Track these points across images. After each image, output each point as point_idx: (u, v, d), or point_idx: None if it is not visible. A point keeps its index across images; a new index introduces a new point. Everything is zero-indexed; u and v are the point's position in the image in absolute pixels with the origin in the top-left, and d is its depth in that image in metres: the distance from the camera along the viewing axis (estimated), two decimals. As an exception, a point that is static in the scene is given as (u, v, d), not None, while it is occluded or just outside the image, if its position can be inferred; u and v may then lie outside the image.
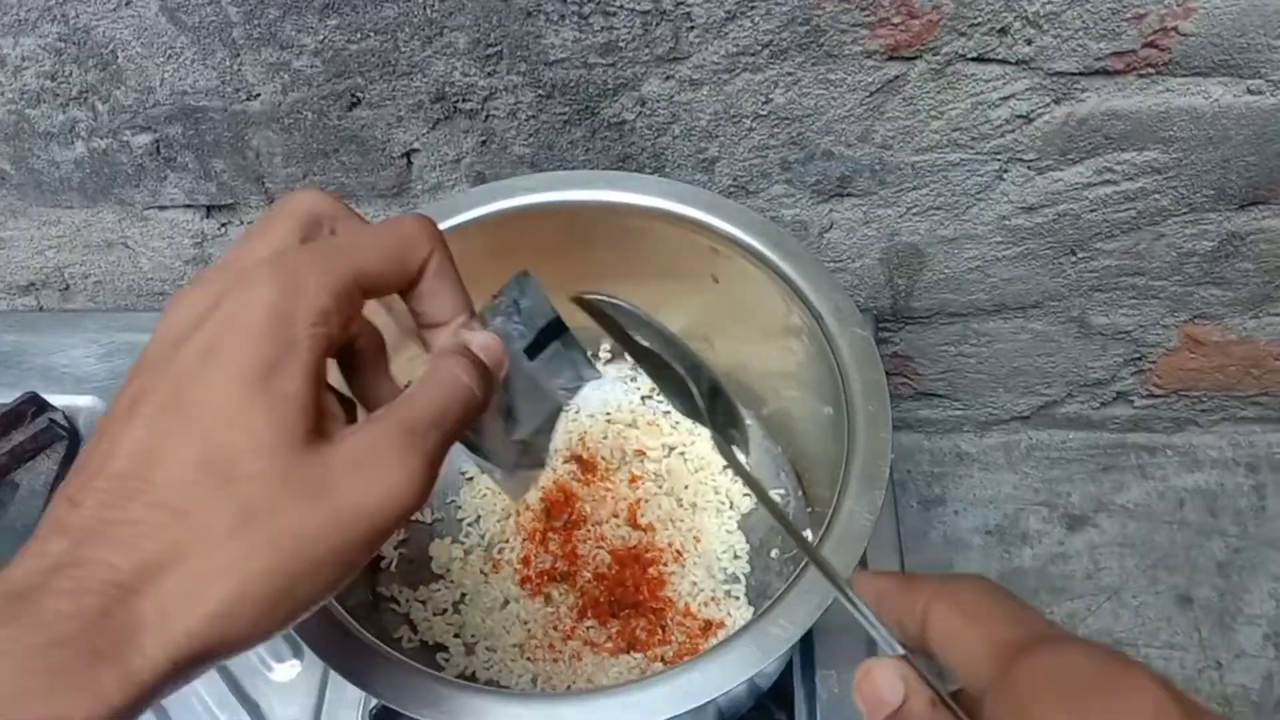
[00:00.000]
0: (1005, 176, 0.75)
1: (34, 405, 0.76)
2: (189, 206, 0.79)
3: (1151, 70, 0.67)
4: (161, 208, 0.79)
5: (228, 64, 0.67)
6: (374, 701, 0.64)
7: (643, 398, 0.75)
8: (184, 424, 0.30)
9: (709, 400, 0.44)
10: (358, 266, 0.33)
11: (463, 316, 0.38)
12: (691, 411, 0.45)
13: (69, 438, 0.77)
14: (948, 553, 1.00)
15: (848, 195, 0.77)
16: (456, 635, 0.66)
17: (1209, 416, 1.04)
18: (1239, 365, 0.97)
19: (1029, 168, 0.74)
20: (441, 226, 0.61)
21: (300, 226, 0.35)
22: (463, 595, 0.67)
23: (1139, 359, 0.96)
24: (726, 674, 0.46)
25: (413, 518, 0.70)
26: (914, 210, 0.78)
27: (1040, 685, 0.28)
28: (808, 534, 0.68)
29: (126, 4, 0.64)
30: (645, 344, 0.45)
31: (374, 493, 0.31)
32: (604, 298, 0.45)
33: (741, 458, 0.45)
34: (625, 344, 0.45)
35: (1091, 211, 0.78)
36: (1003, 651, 0.30)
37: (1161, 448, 1.05)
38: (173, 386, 0.31)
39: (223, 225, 0.81)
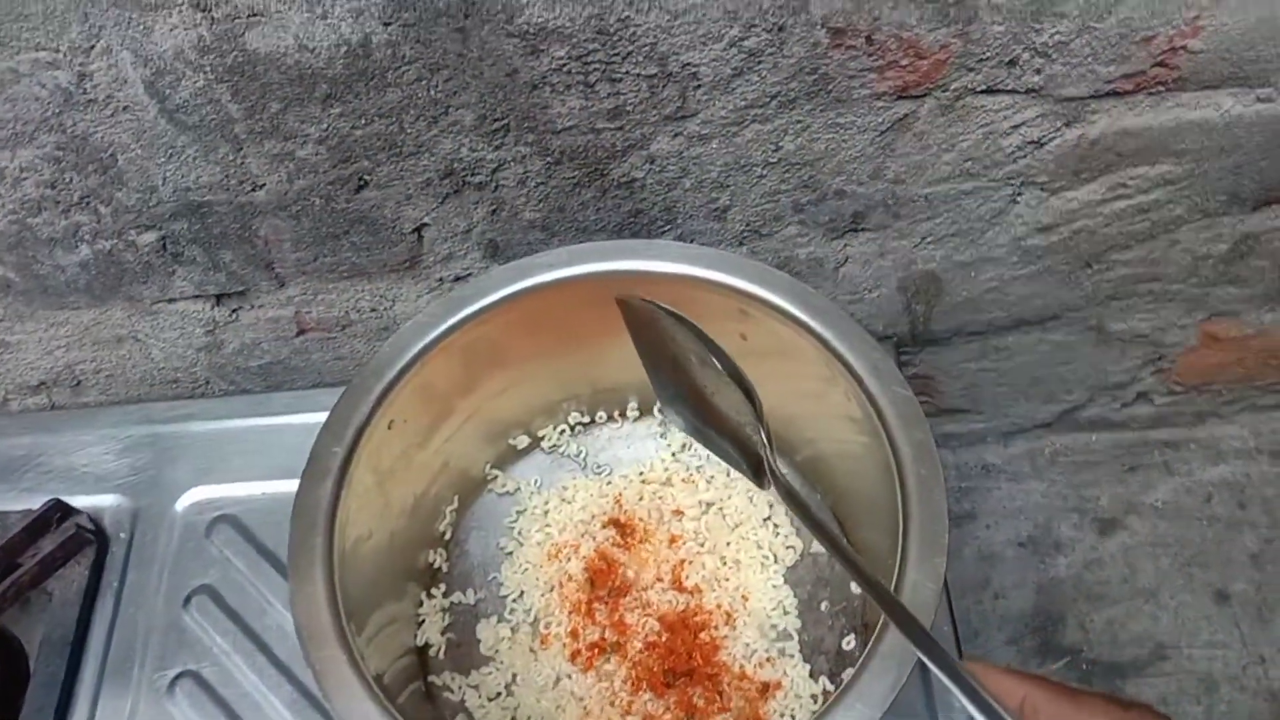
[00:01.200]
0: (1019, 200, 0.75)
1: (58, 511, 0.75)
2: (198, 297, 0.78)
3: (1161, 88, 0.67)
4: (171, 300, 0.78)
5: (231, 158, 0.66)
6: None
7: (673, 454, 0.75)
8: None
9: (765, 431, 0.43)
10: None
11: None
12: (738, 452, 0.44)
13: (97, 541, 0.76)
14: (983, 568, 1.00)
15: (862, 230, 0.77)
16: (513, 718, 0.65)
17: (1230, 408, 1.04)
18: (1257, 357, 0.96)
19: (1042, 190, 0.74)
20: (474, 307, 0.62)
21: None
22: (514, 676, 0.66)
23: (1158, 359, 0.96)
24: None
25: (456, 600, 0.69)
26: (929, 239, 0.78)
27: None
28: (854, 584, 0.68)
29: (124, 109, 0.63)
30: (696, 356, 0.43)
31: None
32: (657, 304, 0.43)
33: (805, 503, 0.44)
34: (665, 363, 0.44)
35: (1106, 226, 0.78)
36: None
37: (1185, 442, 1.05)
38: None
39: (233, 311, 0.80)
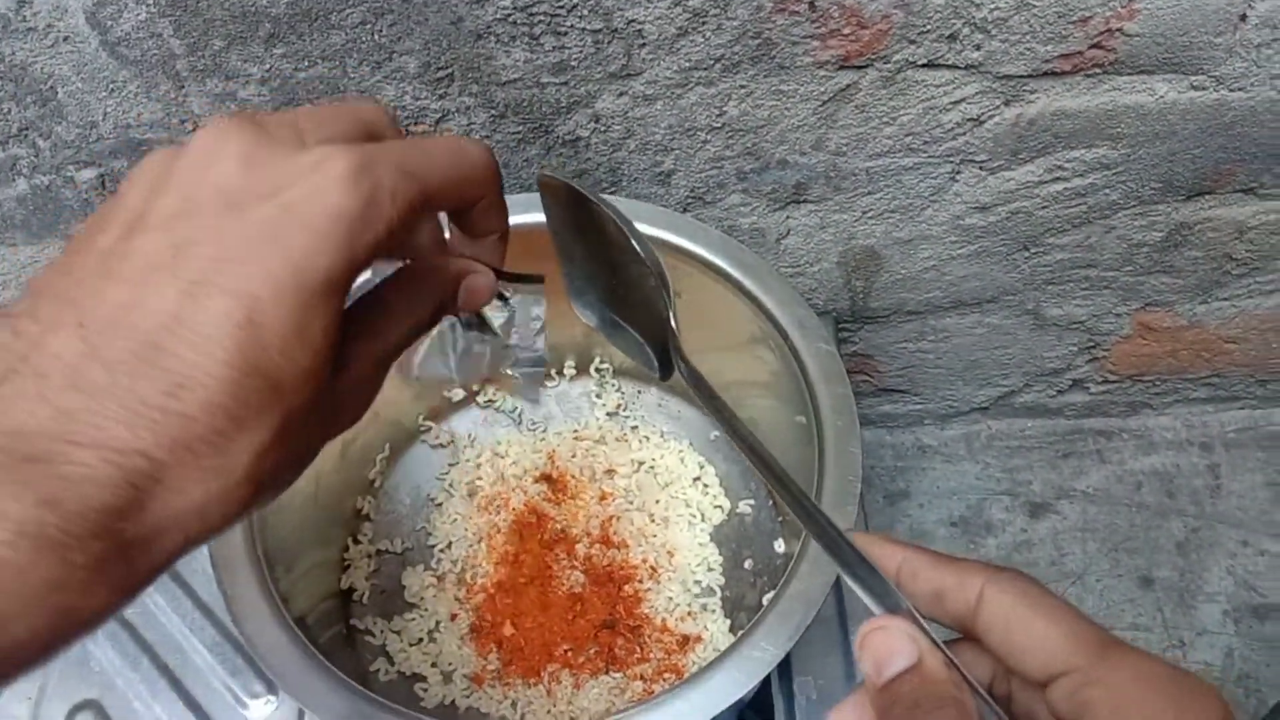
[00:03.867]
0: (958, 178, 0.76)
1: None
2: (138, 239, 0.77)
3: (1098, 70, 0.68)
4: (109, 241, 0.77)
5: (172, 96, 0.66)
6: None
7: (608, 414, 0.75)
8: (233, 304, 0.27)
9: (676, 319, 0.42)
10: (428, 187, 0.32)
11: (493, 238, 0.39)
12: (646, 346, 0.44)
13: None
14: (915, 546, 1.01)
15: (804, 202, 0.77)
16: (433, 665, 0.65)
17: (1163, 399, 1.06)
18: (1190, 349, 0.98)
19: (981, 169, 0.75)
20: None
21: (364, 130, 0.33)
22: (437, 623, 0.67)
23: (1093, 347, 0.97)
24: (712, 700, 0.47)
25: (383, 548, 0.69)
26: (869, 214, 0.79)
27: (1139, 685, 0.29)
28: (778, 544, 0.69)
29: (65, 40, 0.62)
30: (616, 236, 0.42)
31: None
32: (579, 186, 0.43)
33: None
34: (580, 238, 0.44)
35: (1043, 208, 0.79)
36: (1085, 646, 0.30)
37: (1118, 432, 1.07)
38: (228, 256, 0.28)
39: (173, 256, 0.79)
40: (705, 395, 0.42)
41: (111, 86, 0.65)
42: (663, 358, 0.45)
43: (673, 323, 0.43)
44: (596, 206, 0.42)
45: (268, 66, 0.64)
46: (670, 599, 0.67)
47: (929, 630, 0.32)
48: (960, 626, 0.33)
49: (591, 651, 0.65)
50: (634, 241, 0.41)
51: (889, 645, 0.31)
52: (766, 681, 0.65)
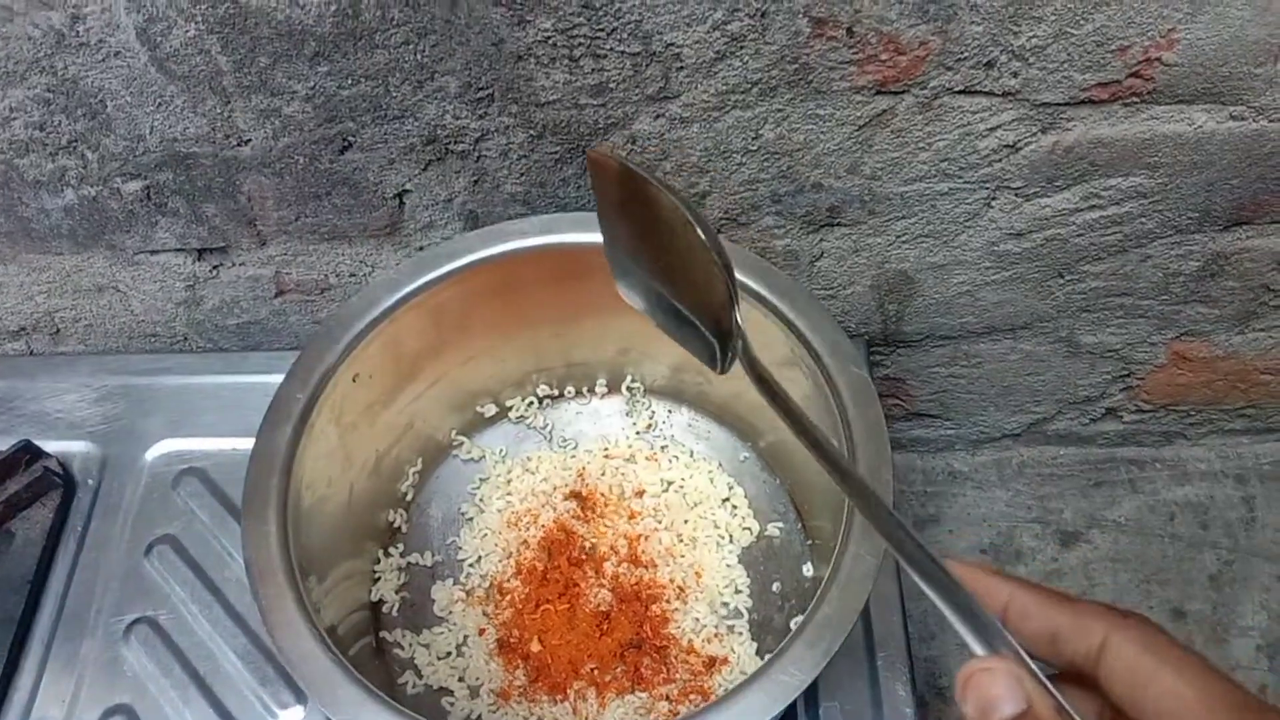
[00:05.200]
0: (993, 204, 0.76)
1: (28, 453, 0.76)
2: (180, 250, 0.79)
3: (1136, 99, 0.68)
4: (153, 252, 0.79)
5: (218, 111, 0.67)
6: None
7: (638, 432, 0.76)
8: None
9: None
10: None
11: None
12: (700, 335, 0.42)
13: (64, 485, 0.77)
14: (943, 572, 1.01)
15: (837, 225, 0.78)
16: (460, 679, 0.66)
17: (1197, 430, 1.05)
18: (1225, 380, 0.98)
19: (1016, 195, 0.75)
20: (446, 268, 0.63)
21: None
22: (465, 638, 0.67)
23: (1127, 376, 0.97)
24: (738, 723, 0.46)
25: (413, 562, 0.70)
26: (903, 238, 0.79)
27: None
28: (806, 567, 0.69)
29: (115, 55, 0.64)
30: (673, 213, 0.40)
31: None
32: (634, 165, 0.41)
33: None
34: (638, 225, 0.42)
35: (1079, 236, 0.79)
36: (1221, 708, 0.29)
37: (1151, 461, 1.06)
38: None
39: (214, 268, 0.81)
40: (769, 392, 0.41)
41: (159, 101, 0.67)
42: (720, 346, 0.43)
43: (736, 311, 0.41)
44: (653, 186, 0.41)
45: (312, 84, 0.65)
46: (697, 620, 0.67)
47: (1038, 672, 0.30)
48: (1075, 670, 0.32)
49: (618, 670, 0.65)
50: (695, 222, 0.40)
51: (995, 689, 0.29)
52: (792, 707, 0.65)
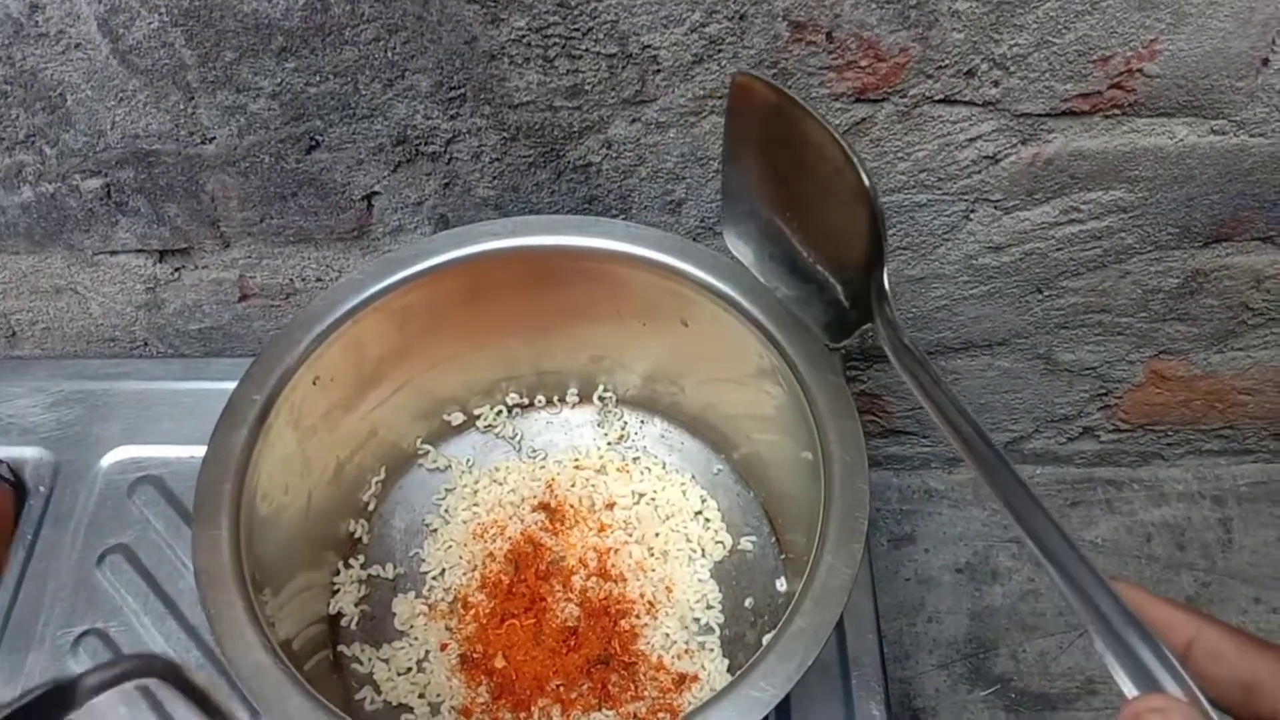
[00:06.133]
0: (972, 217, 0.75)
1: (-23, 458, 0.74)
2: (141, 251, 0.77)
3: (1117, 111, 0.67)
4: (113, 253, 0.77)
5: (182, 107, 0.65)
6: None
7: (609, 443, 0.74)
8: None
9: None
10: None
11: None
12: (824, 292, 0.37)
13: (15, 491, 0.74)
14: (919, 591, 0.99)
15: (815, 236, 0.76)
16: (421, 695, 0.63)
17: (1175, 450, 1.04)
18: (1204, 399, 0.97)
19: (996, 208, 0.74)
20: (412, 270, 0.61)
21: None
22: (426, 653, 0.65)
23: (1105, 394, 0.96)
24: (706, 741, 0.45)
25: (374, 574, 0.68)
26: (882, 250, 0.78)
27: None
28: (780, 582, 0.67)
29: (76, 47, 0.62)
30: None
31: None
32: (788, 91, 0.37)
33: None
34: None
35: (1058, 250, 0.78)
36: None
37: (1128, 482, 1.05)
38: None
39: (176, 270, 0.78)
40: (910, 366, 0.37)
41: (121, 95, 0.65)
42: (854, 308, 0.38)
43: (885, 272, 0.37)
44: (813, 119, 0.37)
45: (279, 80, 0.63)
46: (667, 635, 0.65)
47: None
48: None
49: (584, 687, 0.63)
50: (857, 163, 0.36)
51: None
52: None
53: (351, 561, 0.68)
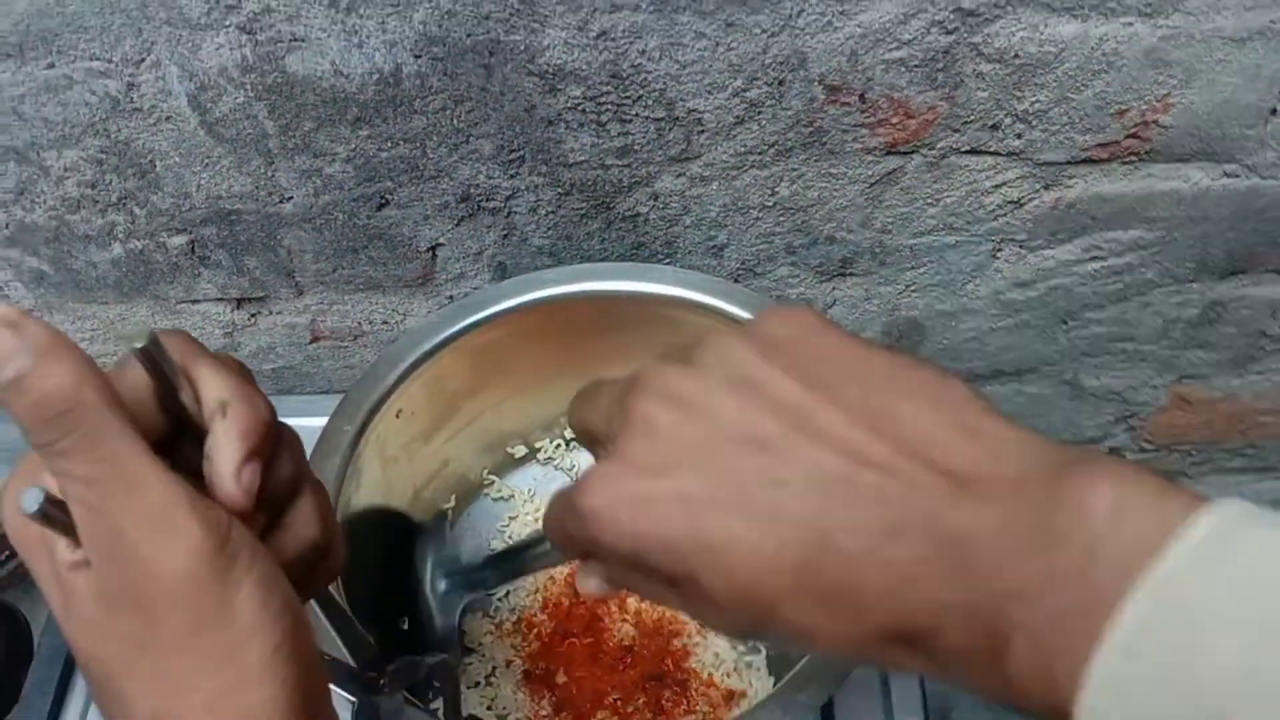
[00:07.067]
0: (999, 255, 0.79)
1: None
2: (220, 300, 0.82)
3: (1134, 158, 0.71)
4: (194, 301, 0.82)
5: (262, 171, 0.71)
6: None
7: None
8: None
9: None
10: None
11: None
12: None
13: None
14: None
15: (849, 275, 0.81)
16: (489, 707, 0.68)
17: (1199, 469, 1.08)
18: (1225, 421, 1.00)
19: (1021, 247, 0.78)
20: (485, 313, 0.66)
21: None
22: (494, 669, 0.70)
23: (1130, 417, 1.00)
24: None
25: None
26: (913, 288, 0.82)
27: None
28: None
29: (167, 120, 0.68)
30: None
31: None
32: None
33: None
34: None
35: (1081, 285, 0.82)
36: None
37: (1154, 499, 1.08)
38: None
39: (252, 316, 0.84)
40: None
41: (206, 161, 0.71)
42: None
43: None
44: None
45: (353, 146, 0.69)
46: (717, 655, 0.70)
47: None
48: None
49: (640, 702, 0.68)
50: None
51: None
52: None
53: (425, 585, 0.73)
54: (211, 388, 0.34)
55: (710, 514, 0.30)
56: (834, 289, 0.82)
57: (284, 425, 0.37)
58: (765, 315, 0.34)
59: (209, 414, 0.34)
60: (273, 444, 0.35)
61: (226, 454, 0.33)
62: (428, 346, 0.66)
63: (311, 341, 0.87)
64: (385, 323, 0.85)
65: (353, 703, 0.48)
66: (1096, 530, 0.26)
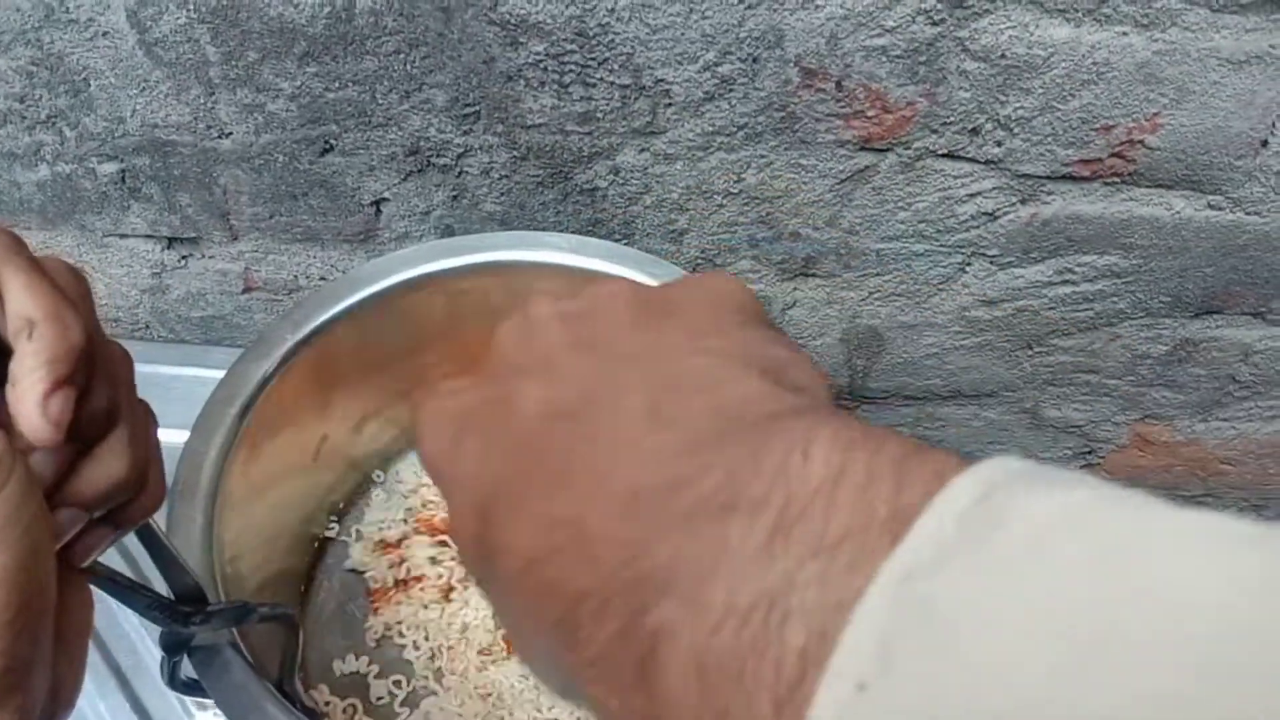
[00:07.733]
0: (967, 269, 0.76)
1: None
2: (150, 237, 0.78)
3: (1117, 179, 0.68)
4: (122, 236, 0.78)
5: (202, 101, 0.67)
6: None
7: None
8: None
9: None
10: None
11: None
12: None
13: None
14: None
15: (812, 275, 0.78)
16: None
17: (1154, 513, 1.05)
18: (1185, 466, 0.98)
19: (991, 263, 0.75)
20: (404, 276, 0.62)
21: None
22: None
23: (1088, 453, 0.97)
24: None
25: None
26: (876, 295, 0.79)
27: None
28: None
29: (103, 35, 0.64)
30: None
31: None
32: None
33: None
34: None
35: (1050, 309, 0.79)
36: None
37: (1106, 541, 1.06)
38: None
39: (183, 258, 0.80)
40: None
41: (143, 85, 0.66)
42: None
43: None
44: None
45: (298, 84, 0.65)
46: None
47: None
48: None
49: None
50: None
51: None
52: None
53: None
54: (18, 303, 0.30)
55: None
56: (795, 289, 0.79)
57: (112, 345, 0.33)
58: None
59: (13, 332, 0.30)
60: (86, 372, 0.31)
61: (29, 382, 0.29)
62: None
63: (244, 291, 0.83)
64: (322, 278, 0.81)
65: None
66: (802, 500, 0.19)
